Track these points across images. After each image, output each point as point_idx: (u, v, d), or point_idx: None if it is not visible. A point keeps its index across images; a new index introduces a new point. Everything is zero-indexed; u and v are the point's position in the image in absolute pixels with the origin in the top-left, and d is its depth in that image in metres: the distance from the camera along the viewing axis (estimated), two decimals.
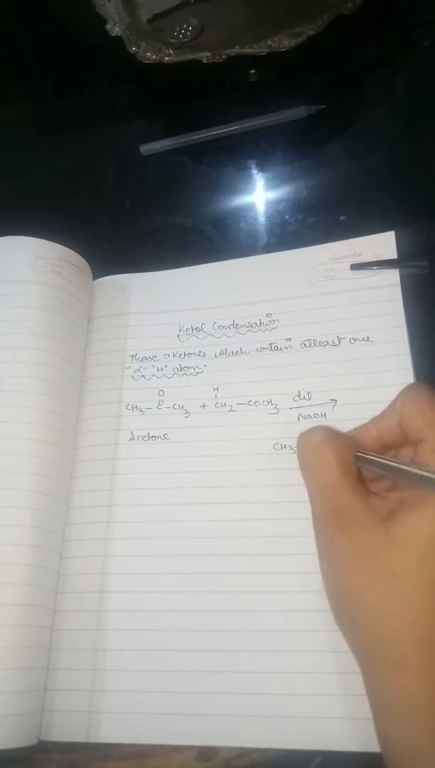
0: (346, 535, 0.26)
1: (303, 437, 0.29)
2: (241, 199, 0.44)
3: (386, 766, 0.24)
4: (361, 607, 0.25)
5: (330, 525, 0.27)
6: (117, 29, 0.46)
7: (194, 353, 0.38)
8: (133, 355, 0.38)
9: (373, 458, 0.28)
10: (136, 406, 0.37)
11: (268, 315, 0.38)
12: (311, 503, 0.28)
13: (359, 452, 0.28)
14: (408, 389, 0.29)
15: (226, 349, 0.37)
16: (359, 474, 0.28)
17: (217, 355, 0.37)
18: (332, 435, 0.28)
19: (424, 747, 0.23)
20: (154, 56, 0.45)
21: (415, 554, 0.24)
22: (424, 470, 0.25)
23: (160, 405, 0.37)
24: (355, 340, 0.36)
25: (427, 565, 0.24)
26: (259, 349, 0.37)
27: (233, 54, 0.43)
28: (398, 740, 0.24)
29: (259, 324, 0.38)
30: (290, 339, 0.37)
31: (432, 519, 0.24)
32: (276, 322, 0.37)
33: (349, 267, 0.37)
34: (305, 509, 0.31)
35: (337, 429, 0.29)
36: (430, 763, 0.23)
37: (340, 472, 0.27)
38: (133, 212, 0.45)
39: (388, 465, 0.27)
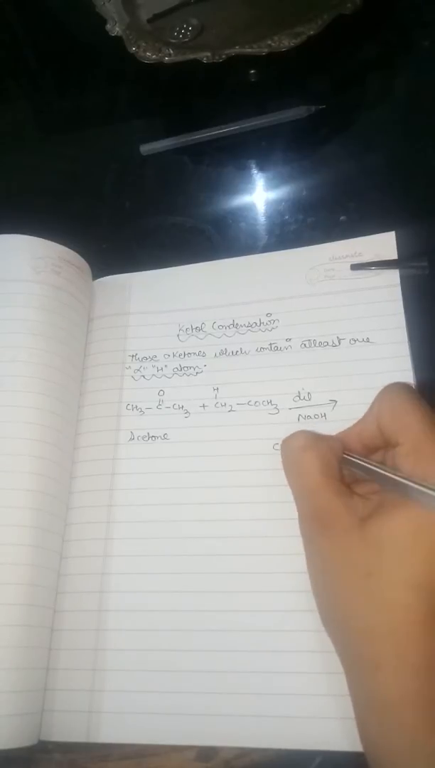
0: (326, 535, 0.26)
1: (285, 442, 0.29)
2: (241, 199, 0.44)
3: (369, 765, 0.24)
4: (339, 607, 0.26)
5: (311, 526, 0.27)
6: (117, 29, 0.46)
7: (194, 353, 0.38)
8: (133, 355, 0.38)
9: (355, 460, 0.28)
10: (136, 406, 0.37)
11: (268, 315, 0.38)
12: (296, 505, 0.29)
13: (345, 454, 0.29)
14: (384, 391, 0.29)
15: (226, 349, 0.37)
16: (342, 476, 0.28)
17: (217, 355, 0.37)
18: (314, 439, 0.29)
19: (400, 745, 0.23)
20: (154, 56, 0.45)
21: (389, 555, 0.25)
22: (397, 475, 0.26)
23: (160, 405, 0.37)
24: (355, 340, 0.36)
25: (400, 566, 0.24)
26: (259, 349, 0.37)
27: (233, 54, 0.43)
28: (376, 739, 0.24)
29: (259, 324, 0.38)
30: (290, 339, 0.37)
31: (406, 522, 0.25)
32: (276, 322, 0.37)
33: (349, 267, 0.37)
34: None
35: (319, 433, 0.30)
36: (407, 761, 0.23)
37: (321, 475, 0.27)
38: (133, 212, 0.45)
39: (368, 468, 0.28)
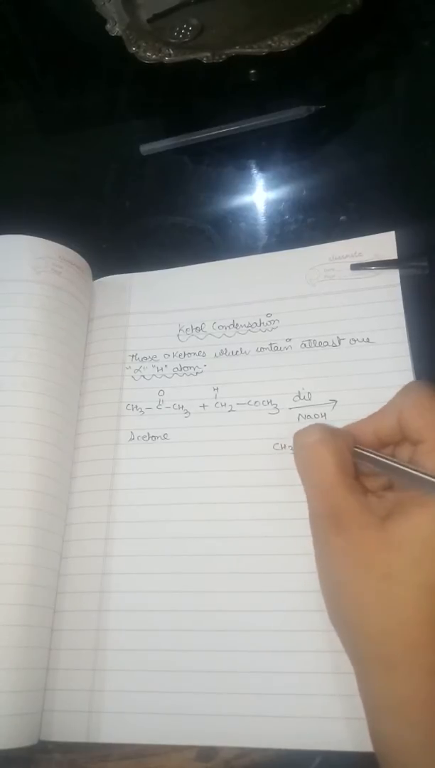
0: (341, 534, 0.26)
1: (299, 436, 0.29)
2: (241, 199, 0.44)
3: (379, 764, 0.24)
4: (353, 607, 0.25)
5: (326, 524, 0.27)
6: (117, 29, 0.46)
7: (194, 353, 0.38)
8: (133, 355, 0.38)
9: (372, 455, 0.28)
10: (136, 406, 0.37)
11: (268, 315, 0.38)
12: (308, 502, 0.28)
13: (357, 448, 0.28)
14: (408, 388, 0.29)
15: (226, 349, 0.37)
16: (356, 473, 0.28)
17: (217, 355, 0.37)
18: (329, 433, 0.28)
19: (412, 746, 0.23)
20: (154, 56, 0.45)
21: (408, 557, 0.24)
22: (421, 472, 0.25)
23: (160, 405, 0.37)
24: (355, 340, 0.36)
25: (419, 569, 0.24)
26: (259, 349, 0.37)
27: (233, 54, 0.43)
28: (388, 739, 0.24)
29: (259, 324, 0.38)
30: (290, 339, 0.37)
31: (427, 522, 0.24)
32: (276, 322, 0.37)
33: (349, 267, 0.37)
34: (305, 509, 0.31)
35: (333, 426, 0.29)
36: (419, 761, 0.23)
37: (337, 472, 0.26)
38: (133, 212, 0.45)
39: (386, 463, 0.27)
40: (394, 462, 0.27)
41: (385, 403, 0.29)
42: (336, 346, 0.36)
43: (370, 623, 0.25)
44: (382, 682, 0.24)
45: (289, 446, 0.33)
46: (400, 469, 0.26)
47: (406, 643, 0.24)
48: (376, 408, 0.33)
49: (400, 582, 0.24)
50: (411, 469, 0.26)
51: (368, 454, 0.28)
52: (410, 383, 0.29)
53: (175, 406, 0.36)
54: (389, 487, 0.28)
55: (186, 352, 0.38)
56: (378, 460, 0.27)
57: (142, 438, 0.36)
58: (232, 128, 0.45)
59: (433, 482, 0.25)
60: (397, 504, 0.26)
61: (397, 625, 0.24)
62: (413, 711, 0.23)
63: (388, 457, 0.27)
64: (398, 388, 0.30)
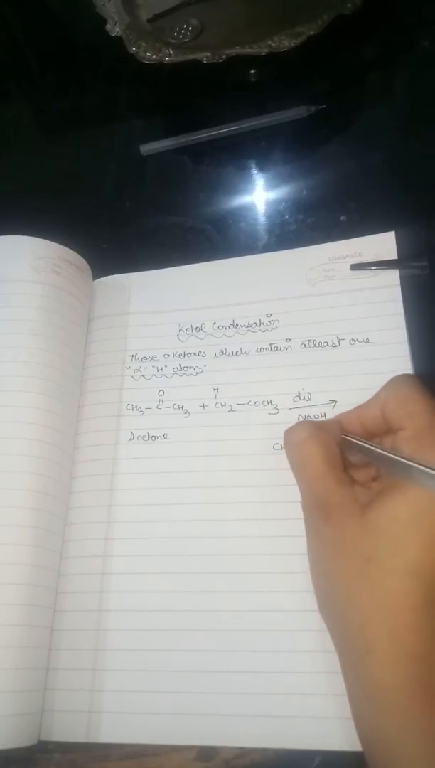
0: (328, 523, 0.27)
1: (288, 434, 0.30)
2: (241, 199, 0.44)
3: (366, 757, 0.25)
4: (338, 593, 0.26)
5: (314, 515, 0.28)
6: (117, 29, 0.46)
7: (194, 353, 0.38)
8: (133, 355, 0.38)
9: (357, 442, 0.29)
10: (136, 406, 0.37)
11: (268, 315, 0.38)
12: (300, 496, 0.29)
13: (344, 435, 0.29)
14: (392, 381, 0.30)
15: (225, 349, 0.37)
16: (345, 465, 0.29)
17: (217, 355, 0.37)
18: (316, 429, 0.29)
19: (391, 733, 0.23)
20: (154, 56, 0.45)
21: (389, 541, 0.25)
22: (400, 456, 0.26)
23: (160, 405, 0.37)
24: (354, 341, 0.36)
25: (399, 552, 0.25)
26: (259, 350, 0.37)
27: (233, 54, 0.43)
28: (370, 726, 0.24)
29: (259, 324, 0.38)
30: (290, 339, 0.37)
31: (404, 506, 0.25)
32: (276, 322, 0.37)
33: (349, 267, 0.37)
34: None
35: (320, 421, 0.30)
36: (398, 747, 0.23)
37: (325, 465, 0.28)
38: (133, 212, 0.45)
39: (369, 450, 0.28)
40: (376, 447, 0.28)
41: None
42: (336, 346, 0.36)
43: (352, 609, 0.25)
44: (361, 667, 0.24)
45: None
46: (381, 454, 0.27)
47: (387, 628, 0.24)
48: None
49: (381, 567, 0.25)
50: (391, 453, 0.27)
51: (354, 441, 0.29)
52: (394, 377, 0.30)
53: (175, 406, 0.36)
54: (376, 479, 0.29)
55: (186, 352, 0.38)
56: (362, 446, 0.29)
57: (142, 438, 0.36)
58: (232, 128, 0.45)
59: (409, 465, 0.26)
60: (379, 492, 0.27)
61: (378, 611, 0.24)
62: (392, 696, 0.23)
63: (371, 443, 0.28)
64: None
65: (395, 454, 0.27)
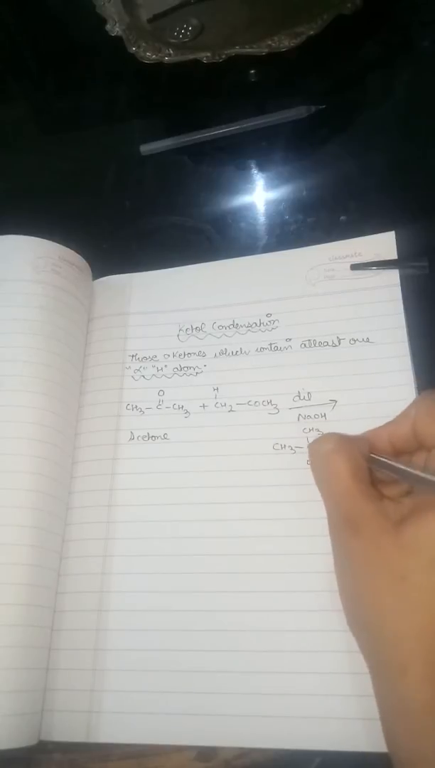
0: (358, 539, 0.26)
1: (314, 446, 0.29)
2: (241, 199, 0.44)
3: (394, 766, 0.24)
4: (370, 610, 0.25)
5: (343, 530, 0.27)
6: (117, 29, 0.46)
7: (194, 353, 0.38)
8: (133, 355, 0.38)
9: (386, 461, 0.28)
10: (136, 406, 0.37)
11: (268, 315, 0.38)
12: (326, 509, 0.28)
13: (372, 454, 0.28)
14: (422, 397, 0.29)
15: (226, 349, 0.37)
16: (372, 479, 0.28)
17: (217, 355, 0.37)
18: (344, 441, 0.28)
19: (426, 751, 0.23)
20: (154, 56, 0.45)
21: (424, 559, 0.24)
22: (433, 477, 0.26)
23: (160, 405, 0.37)
24: (355, 340, 0.36)
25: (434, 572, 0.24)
26: (259, 349, 0.37)
27: (233, 54, 0.43)
28: (402, 743, 0.24)
29: (259, 324, 0.38)
30: (290, 339, 0.37)
31: None
32: (276, 322, 0.37)
33: (349, 267, 0.37)
34: (304, 509, 0.32)
35: (347, 434, 0.29)
36: (432, 767, 0.23)
37: (352, 479, 0.27)
38: (133, 212, 0.45)
39: (400, 469, 0.27)
40: (407, 467, 0.27)
41: (385, 403, 0.29)
42: (336, 346, 0.36)
43: (386, 626, 0.25)
44: (395, 686, 0.24)
45: (289, 446, 0.34)
46: (413, 474, 0.27)
47: (421, 647, 0.24)
48: (376, 408, 0.33)
49: (416, 585, 0.24)
50: (423, 474, 0.26)
51: (382, 459, 0.28)
52: (424, 392, 0.29)
53: (174, 406, 0.36)
54: (406, 494, 0.28)
55: (186, 352, 0.38)
56: (392, 466, 0.28)
57: (142, 438, 0.36)
58: (232, 128, 0.45)
59: None
60: (413, 509, 0.26)
61: (412, 628, 0.24)
62: (427, 716, 0.23)
63: (402, 463, 0.28)
64: (398, 388, 0.30)
65: (429, 476, 0.26)
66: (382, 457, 0.28)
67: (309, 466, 0.33)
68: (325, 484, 0.28)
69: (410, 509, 0.26)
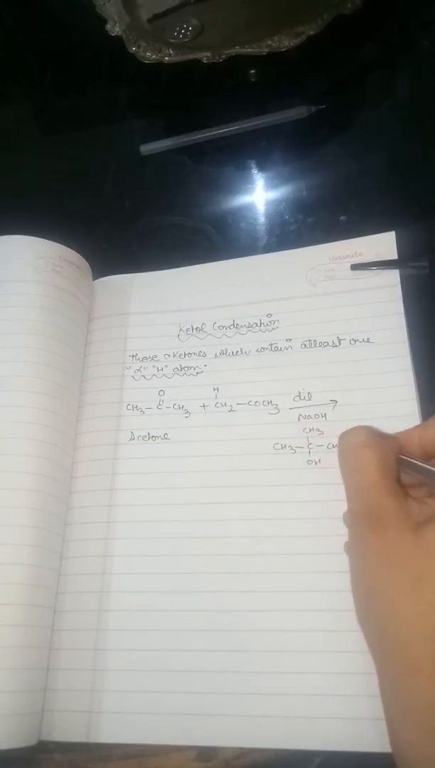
0: (378, 535, 0.26)
1: (345, 437, 0.29)
2: (241, 199, 0.44)
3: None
4: (382, 607, 0.25)
5: (363, 524, 0.27)
6: (117, 29, 0.46)
7: (194, 353, 0.38)
8: (133, 355, 0.38)
9: (415, 463, 0.28)
10: (137, 406, 0.37)
11: (269, 315, 0.38)
12: (348, 501, 0.28)
13: (401, 456, 0.28)
14: None
15: (226, 350, 0.37)
16: (399, 477, 0.28)
17: (218, 355, 0.37)
18: (374, 436, 0.28)
19: (433, 751, 0.23)
20: (154, 56, 0.45)
21: None
22: None
23: (160, 405, 0.37)
24: (355, 340, 0.36)
25: None
26: (259, 350, 0.37)
27: (233, 54, 0.43)
28: (409, 744, 0.24)
29: (259, 324, 0.38)
30: (290, 339, 0.37)
31: None
32: (276, 322, 0.37)
33: (349, 267, 0.37)
34: (304, 509, 0.32)
35: (379, 430, 0.29)
36: None
37: (379, 474, 0.27)
38: (133, 212, 0.45)
39: (428, 470, 0.27)
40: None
41: (386, 403, 0.29)
42: (336, 346, 0.36)
43: (399, 626, 0.25)
44: (404, 686, 0.24)
45: (289, 446, 0.34)
46: None
47: (433, 647, 0.23)
48: (376, 408, 0.33)
49: (432, 586, 0.24)
50: None
51: (411, 461, 0.28)
52: None
53: (175, 406, 0.36)
54: (433, 495, 0.28)
55: (186, 353, 0.38)
56: (421, 467, 0.27)
57: (143, 438, 0.36)
58: (232, 128, 0.45)
59: None
60: None
61: (425, 629, 0.24)
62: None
63: (430, 465, 0.27)
64: (399, 388, 0.30)
65: None
66: (411, 458, 0.28)
67: (309, 466, 0.33)
68: (351, 476, 0.28)
69: (434, 511, 0.26)
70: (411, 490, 0.28)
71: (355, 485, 0.28)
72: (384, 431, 0.29)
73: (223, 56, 0.43)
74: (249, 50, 0.43)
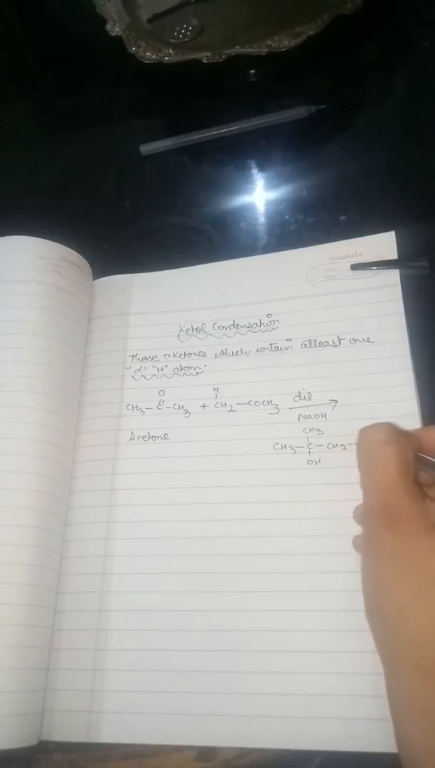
0: (393, 534, 0.26)
1: (365, 433, 0.29)
2: (241, 199, 0.44)
3: (403, 766, 0.24)
4: (394, 607, 0.25)
5: (379, 522, 0.27)
6: (117, 29, 0.46)
7: (194, 353, 0.38)
8: (133, 355, 0.38)
9: (434, 461, 0.28)
10: (137, 406, 0.37)
11: (269, 315, 0.38)
12: (364, 497, 0.28)
13: (420, 453, 0.28)
14: None
15: (226, 350, 0.37)
16: (417, 477, 0.28)
17: (218, 355, 0.37)
18: (395, 433, 0.28)
19: None
20: (154, 56, 0.45)
21: None
22: None
23: (160, 405, 0.37)
24: (355, 340, 0.36)
25: None
26: (259, 350, 0.37)
27: (233, 54, 0.43)
28: (417, 744, 0.24)
29: (259, 324, 0.38)
30: (291, 339, 0.37)
31: None
32: (276, 322, 0.37)
33: (349, 267, 0.37)
34: (304, 509, 0.32)
35: (399, 427, 0.29)
36: None
37: (398, 472, 0.26)
38: (133, 212, 0.45)
39: None
40: None
41: (386, 403, 0.29)
42: (336, 346, 0.36)
43: (410, 625, 0.24)
44: (415, 685, 0.24)
45: (290, 446, 0.34)
46: None
47: None
48: (376, 408, 0.33)
49: None
50: None
51: (430, 459, 0.28)
52: None
53: (175, 406, 0.36)
54: None
55: (186, 353, 0.38)
56: None
57: (143, 438, 0.36)
58: (232, 128, 0.45)
59: None
60: None
61: None
62: None
63: None
64: (398, 388, 0.29)
65: None
66: (430, 457, 0.28)
67: (309, 465, 0.33)
68: (369, 473, 0.28)
69: None
70: (429, 490, 0.28)
71: (372, 482, 0.28)
72: (404, 428, 0.29)
73: (223, 56, 0.43)
74: (249, 50, 0.43)
